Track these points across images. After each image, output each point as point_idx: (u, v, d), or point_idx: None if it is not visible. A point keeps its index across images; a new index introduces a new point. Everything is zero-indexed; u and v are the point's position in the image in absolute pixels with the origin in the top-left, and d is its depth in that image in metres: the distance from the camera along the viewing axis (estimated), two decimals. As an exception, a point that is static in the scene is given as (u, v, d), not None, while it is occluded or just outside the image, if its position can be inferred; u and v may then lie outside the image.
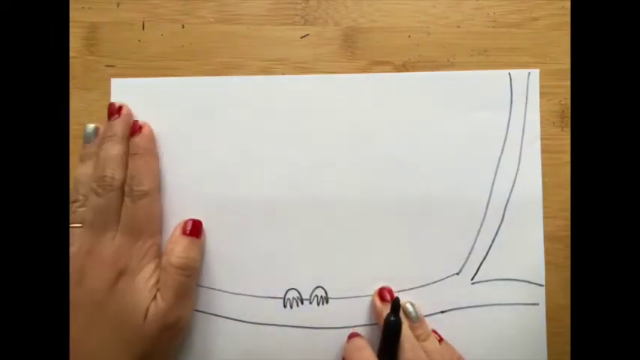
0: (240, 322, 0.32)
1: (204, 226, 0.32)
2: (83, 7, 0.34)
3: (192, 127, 0.33)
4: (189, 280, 0.30)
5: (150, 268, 0.30)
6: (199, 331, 0.32)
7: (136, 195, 0.30)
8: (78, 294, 0.29)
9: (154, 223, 0.31)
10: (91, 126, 0.32)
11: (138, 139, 0.31)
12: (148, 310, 0.28)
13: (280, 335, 0.32)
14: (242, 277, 0.32)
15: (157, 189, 0.32)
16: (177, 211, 0.32)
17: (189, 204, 0.32)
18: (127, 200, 0.30)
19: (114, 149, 0.31)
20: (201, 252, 0.32)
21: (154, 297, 0.29)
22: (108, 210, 0.30)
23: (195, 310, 0.32)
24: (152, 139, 0.32)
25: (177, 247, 0.30)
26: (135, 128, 0.32)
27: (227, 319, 0.32)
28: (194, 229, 0.31)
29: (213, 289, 0.32)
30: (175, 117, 0.33)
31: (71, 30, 0.33)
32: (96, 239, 0.29)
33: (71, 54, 0.33)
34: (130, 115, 0.32)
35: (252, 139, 0.33)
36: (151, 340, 0.28)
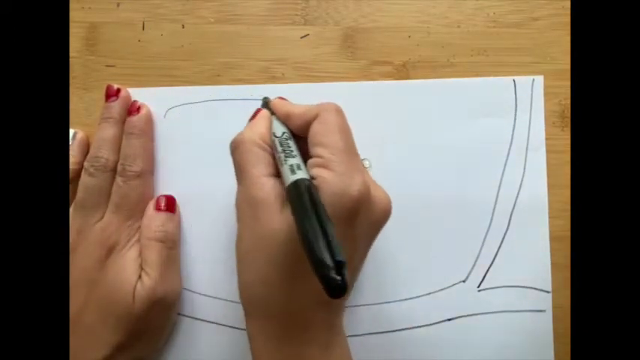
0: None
1: (208, 235, 0.32)
2: (83, 7, 0.34)
3: (197, 134, 0.33)
4: (172, 252, 0.31)
5: (137, 247, 0.30)
6: (206, 341, 0.32)
7: (128, 175, 0.30)
8: (72, 273, 0.29)
9: (145, 205, 0.31)
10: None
11: (135, 119, 0.31)
12: (135, 289, 0.29)
13: None
14: None
15: (149, 171, 0.32)
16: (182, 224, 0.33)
17: (193, 214, 0.32)
18: (118, 179, 0.30)
19: (109, 131, 0.31)
20: (178, 226, 0.32)
21: (140, 276, 0.29)
22: (99, 190, 0.30)
23: (203, 320, 0.32)
24: (150, 121, 0.32)
25: (154, 222, 0.30)
26: (133, 109, 0.32)
27: (234, 329, 0.32)
28: (168, 204, 0.31)
29: (219, 298, 0.32)
30: (184, 125, 0.33)
31: (71, 30, 0.33)
32: (85, 218, 0.30)
33: (71, 54, 0.33)
34: (128, 97, 0.32)
35: None
36: (142, 318, 0.29)
